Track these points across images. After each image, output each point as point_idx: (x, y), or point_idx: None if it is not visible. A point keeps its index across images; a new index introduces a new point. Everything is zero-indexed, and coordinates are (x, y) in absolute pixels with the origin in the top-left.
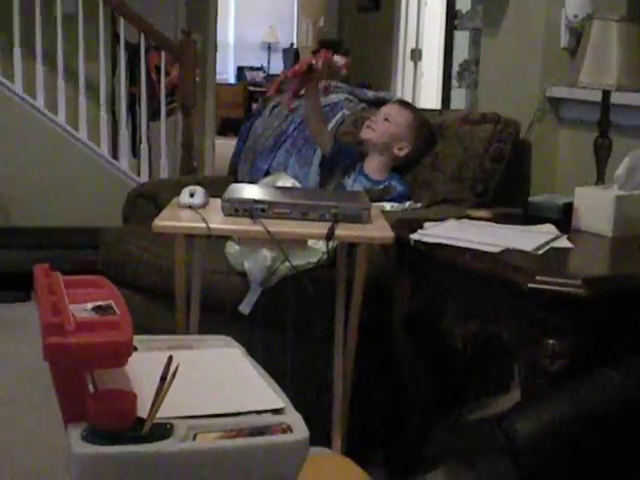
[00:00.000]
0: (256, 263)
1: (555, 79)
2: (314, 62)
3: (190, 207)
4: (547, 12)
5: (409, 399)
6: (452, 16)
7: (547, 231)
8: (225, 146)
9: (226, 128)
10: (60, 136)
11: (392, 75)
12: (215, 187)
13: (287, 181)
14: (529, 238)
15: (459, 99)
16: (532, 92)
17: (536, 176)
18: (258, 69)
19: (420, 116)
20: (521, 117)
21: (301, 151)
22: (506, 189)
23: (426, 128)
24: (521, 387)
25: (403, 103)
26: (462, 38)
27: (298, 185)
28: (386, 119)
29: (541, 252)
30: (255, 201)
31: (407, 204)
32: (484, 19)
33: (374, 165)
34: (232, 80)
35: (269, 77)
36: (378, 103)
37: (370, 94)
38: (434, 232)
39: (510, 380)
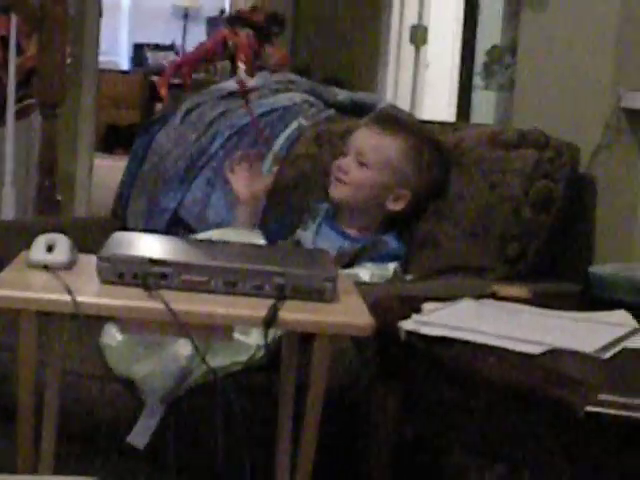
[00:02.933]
0: (159, 364)
1: (636, 82)
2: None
3: (47, 267)
4: None
5: None
6: None
7: (618, 322)
8: (110, 169)
9: (113, 141)
10: None
11: (379, 66)
12: (90, 236)
13: (251, 240)
14: (589, 332)
15: (485, 106)
16: (600, 100)
17: (604, 233)
18: (167, 48)
19: (418, 136)
20: (582, 138)
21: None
22: (555, 252)
23: (432, 154)
24: None
25: (382, 121)
26: (491, 11)
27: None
28: (361, 162)
29: (607, 355)
30: (152, 261)
31: (391, 266)
32: None
33: (355, 221)
34: (125, 65)
35: None
36: (355, 111)
37: (343, 95)
38: (438, 319)
39: None
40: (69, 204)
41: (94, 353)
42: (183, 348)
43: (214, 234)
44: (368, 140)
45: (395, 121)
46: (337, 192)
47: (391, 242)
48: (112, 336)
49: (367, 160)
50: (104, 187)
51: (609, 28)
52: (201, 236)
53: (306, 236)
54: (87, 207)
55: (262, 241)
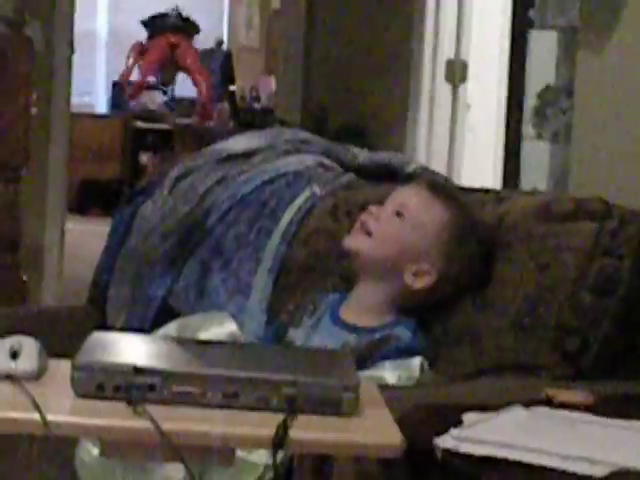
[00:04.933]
0: None
1: None
2: None
3: (10, 378)
4: None
5: None
6: (525, 4)
7: None
8: (85, 235)
9: (88, 199)
10: None
11: (409, 109)
12: (63, 331)
13: (222, 326)
14: None
15: (538, 161)
16: None
17: None
18: (153, 87)
19: (464, 214)
20: None
21: (230, 264)
22: (623, 345)
23: (473, 240)
24: None
25: (437, 187)
26: (543, 45)
27: (239, 335)
28: (399, 213)
29: None
30: (137, 370)
31: (415, 362)
32: (583, 11)
33: (365, 302)
34: (103, 107)
35: (175, 103)
36: (379, 175)
37: (364, 156)
38: (482, 434)
39: None
40: (36, 283)
41: (67, 472)
42: (174, 470)
43: (174, 326)
44: (417, 196)
45: (449, 193)
46: (354, 241)
47: (404, 335)
48: (88, 451)
49: (407, 213)
50: (78, 258)
51: None
52: (162, 331)
53: (297, 335)
54: (58, 286)
55: (234, 326)
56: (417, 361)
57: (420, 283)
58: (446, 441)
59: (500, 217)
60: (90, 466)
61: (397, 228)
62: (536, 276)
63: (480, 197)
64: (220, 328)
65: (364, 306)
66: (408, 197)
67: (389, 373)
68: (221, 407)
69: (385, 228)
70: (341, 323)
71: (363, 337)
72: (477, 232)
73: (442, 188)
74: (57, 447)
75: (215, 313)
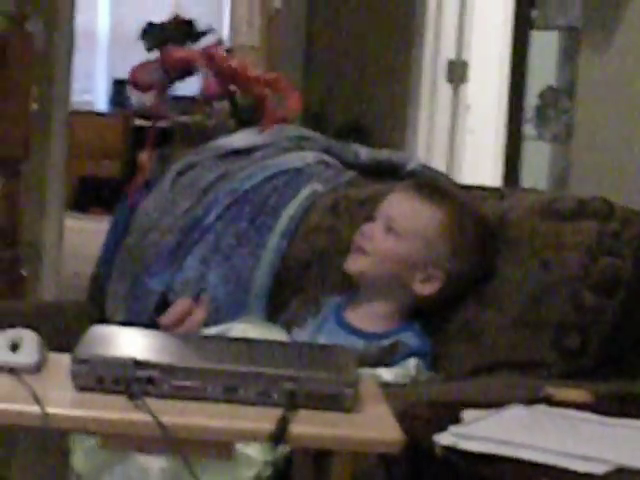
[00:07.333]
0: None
1: None
2: None
3: (10, 371)
4: None
5: None
6: (527, 4)
7: None
8: (84, 233)
9: (87, 197)
10: None
11: (410, 109)
12: (62, 325)
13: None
14: None
15: (539, 162)
16: None
17: None
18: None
19: (463, 211)
20: None
21: (231, 259)
22: (623, 344)
23: (478, 234)
24: None
25: (423, 187)
26: (544, 45)
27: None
28: (390, 228)
29: None
30: (137, 363)
31: (411, 362)
32: (585, 12)
33: (373, 310)
34: (103, 105)
35: (176, 101)
36: (380, 172)
37: (365, 154)
38: (481, 431)
39: None
40: (35, 279)
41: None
42: (153, 460)
43: (226, 328)
44: (402, 205)
45: (438, 190)
46: (354, 264)
47: (412, 341)
48: (86, 452)
49: (397, 227)
50: (77, 255)
51: None
52: (213, 331)
53: (301, 336)
54: (57, 282)
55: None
56: (413, 362)
57: (430, 289)
58: (445, 438)
59: (502, 214)
60: (87, 466)
61: (392, 245)
62: (538, 274)
63: (481, 194)
64: (267, 334)
65: (372, 313)
66: (394, 208)
67: (386, 371)
68: (221, 402)
69: (381, 247)
70: (347, 326)
71: (371, 343)
72: (475, 219)
73: (430, 186)
74: (54, 444)
75: (271, 327)
